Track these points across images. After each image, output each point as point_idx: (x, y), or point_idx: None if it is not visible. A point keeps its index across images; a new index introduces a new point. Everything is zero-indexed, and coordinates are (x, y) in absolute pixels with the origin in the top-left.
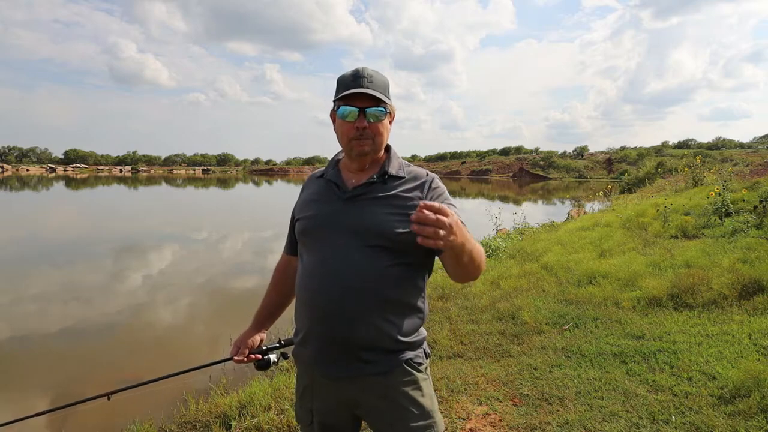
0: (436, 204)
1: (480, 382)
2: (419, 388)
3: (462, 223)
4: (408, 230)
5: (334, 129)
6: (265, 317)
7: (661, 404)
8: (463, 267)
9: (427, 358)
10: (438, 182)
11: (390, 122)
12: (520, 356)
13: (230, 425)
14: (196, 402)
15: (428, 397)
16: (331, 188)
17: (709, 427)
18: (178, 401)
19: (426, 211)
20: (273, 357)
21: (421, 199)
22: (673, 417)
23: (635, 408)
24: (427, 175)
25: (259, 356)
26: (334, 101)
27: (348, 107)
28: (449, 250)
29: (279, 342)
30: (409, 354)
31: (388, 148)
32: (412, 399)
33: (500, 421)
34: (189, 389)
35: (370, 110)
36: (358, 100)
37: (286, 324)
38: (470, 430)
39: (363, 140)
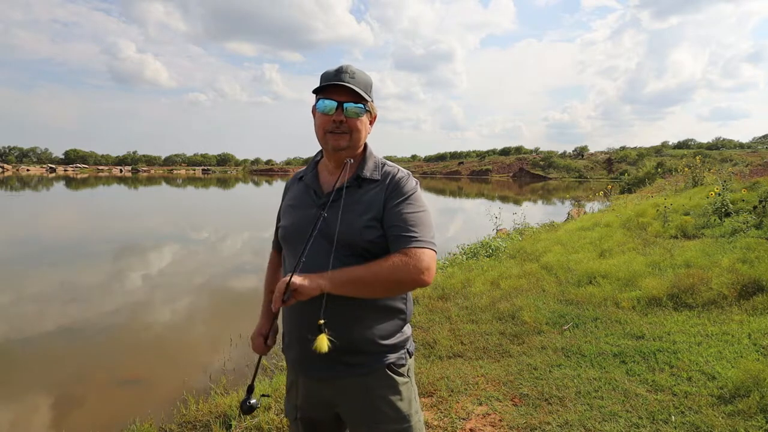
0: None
1: (480, 382)
2: (398, 392)
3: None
4: (379, 235)
5: (314, 126)
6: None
7: (660, 404)
8: (360, 294)
9: (410, 358)
10: (405, 180)
11: (371, 123)
12: (520, 356)
13: (230, 425)
14: (196, 402)
15: (406, 401)
16: (309, 193)
17: (709, 426)
18: (178, 401)
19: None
20: (254, 401)
21: (383, 199)
22: (673, 417)
23: (635, 408)
24: (398, 172)
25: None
26: (316, 96)
27: (327, 100)
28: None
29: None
30: (391, 357)
31: (365, 148)
32: (390, 403)
33: (500, 421)
34: (189, 389)
35: (349, 105)
36: (338, 95)
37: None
38: (470, 430)
39: (339, 134)
